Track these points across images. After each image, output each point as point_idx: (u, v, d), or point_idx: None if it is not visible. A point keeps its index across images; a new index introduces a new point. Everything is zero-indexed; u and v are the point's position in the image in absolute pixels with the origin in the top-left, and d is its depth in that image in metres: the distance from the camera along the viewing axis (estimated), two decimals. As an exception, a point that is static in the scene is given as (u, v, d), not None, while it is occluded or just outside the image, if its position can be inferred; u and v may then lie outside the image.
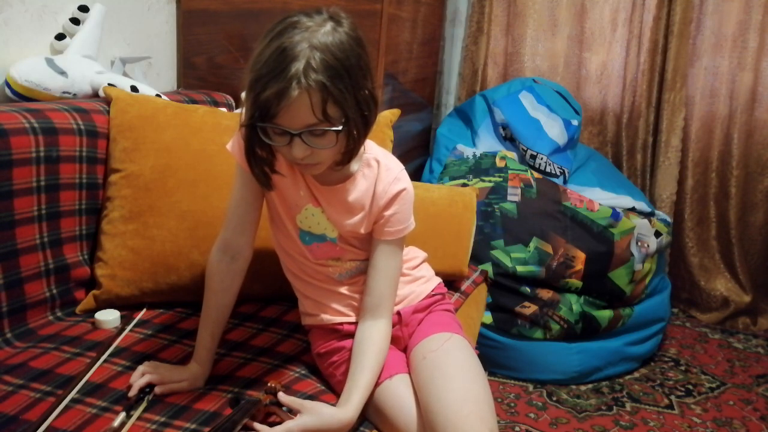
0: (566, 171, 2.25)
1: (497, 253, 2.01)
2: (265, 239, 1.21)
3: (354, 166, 1.08)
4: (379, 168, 1.09)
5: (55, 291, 1.29)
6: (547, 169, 2.23)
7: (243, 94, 0.96)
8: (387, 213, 1.08)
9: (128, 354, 1.15)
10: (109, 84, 1.50)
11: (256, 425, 0.93)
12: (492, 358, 2.04)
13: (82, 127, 1.34)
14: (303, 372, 1.14)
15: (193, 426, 0.96)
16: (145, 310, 1.34)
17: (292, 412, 0.97)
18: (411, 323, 1.17)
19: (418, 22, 2.23)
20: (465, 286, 1.59)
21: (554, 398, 1.96)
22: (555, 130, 2.28)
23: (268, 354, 1.19)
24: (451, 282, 1.54)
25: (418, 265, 1.25)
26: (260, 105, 0.90)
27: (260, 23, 1.88)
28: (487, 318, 2.01)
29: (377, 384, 1.04)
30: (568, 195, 2.09)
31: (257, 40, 0.93)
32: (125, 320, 1.28)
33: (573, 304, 2.00)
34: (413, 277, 1.22)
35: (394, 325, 1.13)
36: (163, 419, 0.97)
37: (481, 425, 0.95)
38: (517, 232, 2.03)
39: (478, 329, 1.60)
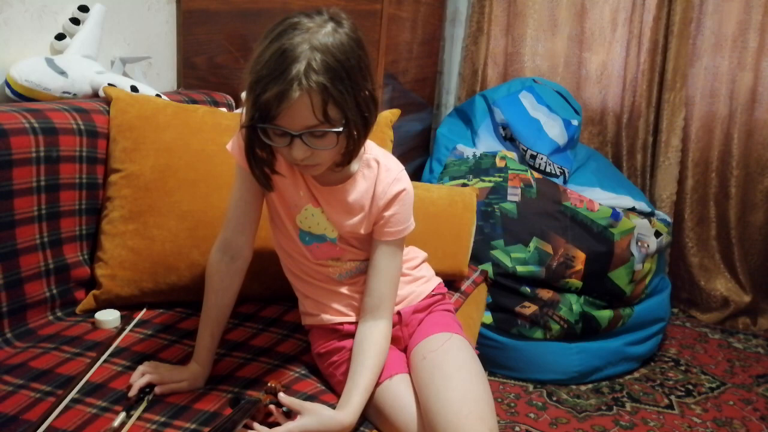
0: (566, 171, 2.25)
1: (497, 253, 2.02)
2: (265, 239, 1.21)
3: (354, 166, 1.08)
4: (378, 168, 1.09)
5: (55, 291, 1.29)
6: (547, 169, 2.23)
7: (243, 95, 0.96)
8: (387, 213, 1.08)
9: (128, 354, 1.15)
10: (109, 84, 1.50)
11: (256, 425, 0.93)
12: (492, 358, 2.04)
13: (82, 127, 1.34)
14: (303, 372, 1.14)
15: (193, 426, 0.96)
16: (145, 310, 1.34)
17: (292, 413, 0.97)
18: (411, 323, 1.17)
19: (418, 22, 2.23)
20: (465, 286, 1.59)
21: (554, 398, 1.96)
22: (555, 130, 2.28)
23: (268, 354, 1.19)
24: (451, 282, 1.54)
25: (418, 265, 1.25)
26: (260, 106, 0.90)
27: (260, 23, 1.88)
28: (487, 318, 2.01)
29: (377, 384, 1.04)
30: (568, 195, 2.09)
31: (257, 41, 0.93)
32: (125, 320, 1.28)
33: (573, 304, 2.00)
34: (413, 277, 1.22)
35: (394, 325, 1.13)
36: (163, 419, 0.97)
37: (481, 425, 0.95)
38: (517, 232, 2.03)
39: (478, 329, 1.60)
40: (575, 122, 2.33)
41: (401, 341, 1.16)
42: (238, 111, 1.25)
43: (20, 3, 1.46)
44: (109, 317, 1.26)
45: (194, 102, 1.69)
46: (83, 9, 1.57)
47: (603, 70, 2.65)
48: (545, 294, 2.01)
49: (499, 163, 2.18)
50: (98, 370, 1.08)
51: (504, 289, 2.01)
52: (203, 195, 1.35)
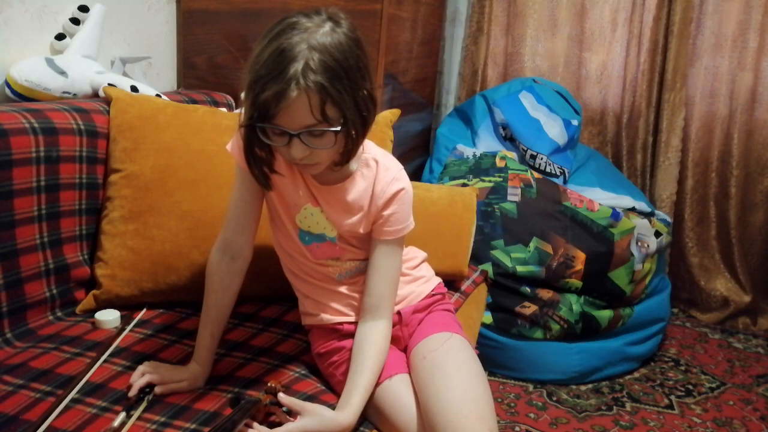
0: (566, 171, 2.25)
1: (497, 253, 2.02)
2: (265, 239, 1.21)
3: (353, 165, 1.08)
4: (377, 168, 1.09)
5: (55, 291, 1.29)
6: (547, 169, 2.23)
7: (242, 94, 0.96)
8: (386, 213, 1.08)
9: (128, 354, 1.15)
10: (109, 84, 1.50)
11: (256, 425, 0.93)
12: (492, 358, 2.04)
13: (82, 127, 1.34)
14: (303, 372, 1.14)
15: (193, 426, 0.96)
16: (145, 310, 1.34)
17: (292, 414, 0.97)
18: (411, 323, 1.17)
19: (418, 22, 2.24)
20: (465, 286, 1.59)
21: (554, 398, 1.96)
22: (555, 130, 2.28)
23: (268, 354, 1.19)
24: (451, 282, 1.54)
25: (417, 265, 1.25)
26: (259, 106, 0.90)
27: (260, 23, 1.88)
28: (487, 318, 2.01)
29: (377, 384, 1.04)
30: (568, 195, 2.09)
31: (256, 41, 0.93)
32: (125, 320, 1.28)
33: (573, 304, 2.00)
34: (413, 277, 1.22)
35: (394, 325, 1.13)
36: (163, 419, 0.97)
37: (481, 425, 0.95)
38: (517, 232, 2.03)
39: (478, 329, 1.60)
40: (575, 122, 2.33)
41: (401, 341, 1.16)
42: (238, 111, 1.25)
43: (20, 3, 1.46)
44: (109, 317, 1.26)
45: (194, 102, 1.69)
46: (83, 9, 1.57)
47: (603, 70, 2.65)
48: (545, 294, 2.01)
49: (499, 163, 2.19)
50: (98, 370, 1.09)
51: (504, 289, 2.01)
52: (203, 195, 1.35)
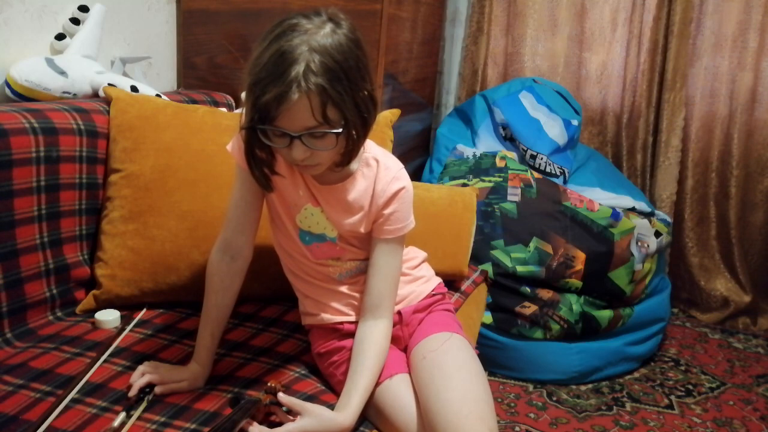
0: (566, 171, 2.25)
1: (497, 253, 2.02)
2: (265, 239, 1.21)
3: (353, 165, 1.08)
4: (378, 167, 1.09)
5: (55, 291, 1.29)
6: (547, 169, 2.23)
7: (243, 95, 0.96)
8: (386, 212, 1.08)
9: (128, 354, 1.15)
10: (109, 84, 1.50)
11: (256, 425, 0.93)
12: (492, 358, 2.04)
13: (82, 127, 1.34)
14: (303, 372, 1.14)
15: (193, 426, 0.96)
16: (145, 310, 1.34)
17: (292, 413, 0.97)
18: (411, 323, 1.17)
19: (418, 22, 2.24)
20: (465, 286, 1.59)
21: (554, 398, 1.96)
22: (555, 130, 2.28)
23: (268, 354, 1.19)
24: (451, 282, 1.54)
25: (418, 265, 1.25)
26: (260, 108, 0.90)
27: (260, 23, 1.88)
28: (487, 318, 2.01)
29: (377, 384, 1.04)
30: (568, 195, 2.09)
31: (256, 41, 0.93)
32: (125, 320, 1.28)
33: (573, 304, 2.00)
34: (413, 277, 1.22)
35: (394, 325, 1.13)
36: (163, 419, 0.97)
37: (481, 425, 0.95)
38: (517, 232, 2.03)
39: (478, 329, 1.60)
40: (575, 122, 2.33)
41: (401, 341, 1.16)
42: (238, 111, 1.25)
43: (20, 3, 1.46)
44: (109, 317, 1.26)
45: (194, 102, 1.69)
46: (83, 9, 1.57)
47: (603, 70, 2.65)
48: (545, 294, 2.01)
49: (499, 163, 2.19)
50: (98, 370, 1.09)
51: (504, 289, 2.01)
52: (203, 195, 1.35)
